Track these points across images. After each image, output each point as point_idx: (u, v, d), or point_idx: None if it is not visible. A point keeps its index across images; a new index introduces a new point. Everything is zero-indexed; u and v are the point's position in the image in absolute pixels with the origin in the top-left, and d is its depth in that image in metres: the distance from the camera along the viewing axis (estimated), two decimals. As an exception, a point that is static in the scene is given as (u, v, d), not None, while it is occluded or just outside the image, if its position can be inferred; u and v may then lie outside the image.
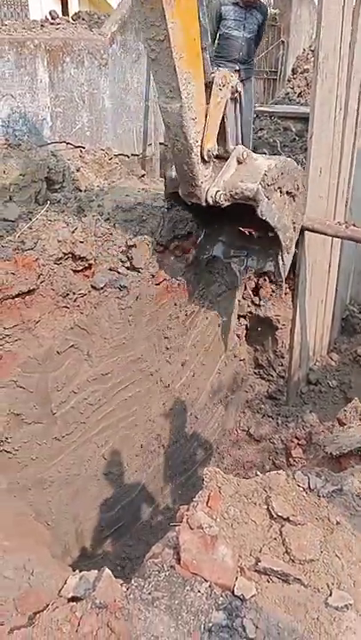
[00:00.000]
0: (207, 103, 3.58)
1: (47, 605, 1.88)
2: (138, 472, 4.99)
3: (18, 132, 4.98)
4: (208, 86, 3.57)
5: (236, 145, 3.97)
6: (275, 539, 2.01)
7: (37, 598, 2.03)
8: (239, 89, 3.79)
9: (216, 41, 5.29)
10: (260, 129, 6.69)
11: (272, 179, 3.87)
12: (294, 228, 4.51)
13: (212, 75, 3.57)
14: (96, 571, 2.00)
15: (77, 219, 4.36)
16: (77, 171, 5.34)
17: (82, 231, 4.22)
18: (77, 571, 2.07)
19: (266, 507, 2.12)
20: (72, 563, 4.36)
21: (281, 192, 4.13)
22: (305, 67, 8.17)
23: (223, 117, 3.76)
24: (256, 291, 5.73)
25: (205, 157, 3.69)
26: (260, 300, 5.67)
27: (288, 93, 8.08)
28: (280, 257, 4.46)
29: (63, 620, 1.70)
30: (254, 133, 6.71)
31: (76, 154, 5.84)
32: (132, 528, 5.09)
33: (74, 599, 1.88)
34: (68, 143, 5.75)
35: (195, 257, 4.98)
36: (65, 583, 1.97)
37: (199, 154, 3.65)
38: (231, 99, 5.35)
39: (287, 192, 4.23)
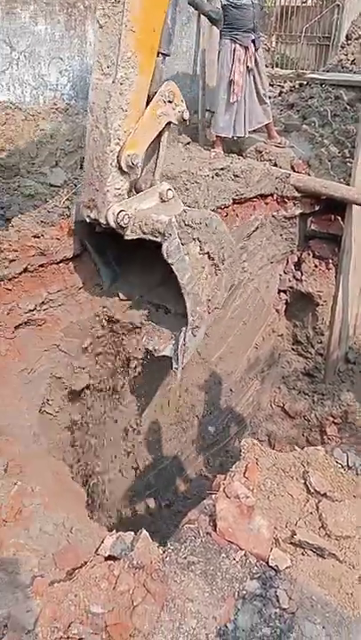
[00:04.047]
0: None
1: (85, 562, 1.95)
2: (172, 440, 5.06)
3: (66, 95, 4.94)
4: (151, 97, 3.14)
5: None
6: (311, 513, 2.02)
7: (75, 555, 2.10)
8: (185, 117, 3.33)
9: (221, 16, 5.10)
10: (310, 97, 6.45)
11: (191, 220, 3.27)
12: (208, 308, 3.65)
13: (160, 86, 3.16)
14: (132, 532, 2.05)
15: (122, 186, 4.33)
16: (123, 137, 5.29)
17: (126, 198, 4.19)
18: (114, 531, 2.12)
19: (303, 481, 2.12)
20: (104, 524, 4.50)
21: (201, 248, 3.44)
22: (361, 32, 7.80)
23: (159, 145, 3.31)
24: (298, 265, 5.63)
25: (122, 164, 3.11)
26: (302, 274, 5.57)
27: (341, 60, 7.72)
28: (183, 335, 3.47)
29: (101, 578, 1.76)
30: (304, 101, 6.49)
31: (121, 120, 5.79)
32: (163, 494, 5.20)
33: (110, 558, 1.94)
34: (113, 109, 5.70)
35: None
36: (102, 542, 2.03)
37: (116, 153, 3.10)
38: (248, 70, 5.16)
39: (209, 255, 3.51)
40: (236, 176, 4.83)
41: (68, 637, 1.58)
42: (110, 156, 3.10)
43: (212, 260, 3.56)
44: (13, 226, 3.49)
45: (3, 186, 4.03)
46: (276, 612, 1.70)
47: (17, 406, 3.43)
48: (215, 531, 1.91)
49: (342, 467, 2.24)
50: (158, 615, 1.66)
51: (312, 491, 2.09)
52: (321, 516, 2.00)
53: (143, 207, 3.30)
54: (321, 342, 5.79)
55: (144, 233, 3.21)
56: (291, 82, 7.46)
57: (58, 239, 3.59)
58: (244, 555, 1.85)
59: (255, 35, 5.11)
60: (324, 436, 5.27)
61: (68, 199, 3.98)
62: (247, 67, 5.16)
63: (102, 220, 3.24)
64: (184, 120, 3.36)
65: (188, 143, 5.69)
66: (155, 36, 3.01)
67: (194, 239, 3.34)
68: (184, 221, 3.24)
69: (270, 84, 7.39)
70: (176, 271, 3.25)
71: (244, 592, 1.74)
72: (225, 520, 1.91)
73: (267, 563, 1.84)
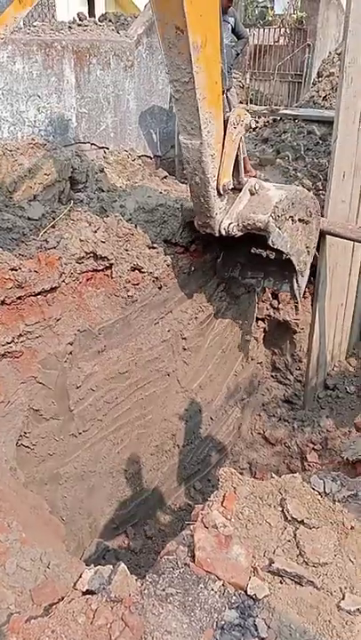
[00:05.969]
0: (223, 140, 3.74)
1: (62, 597, 1.92)
2: (152, 471, 5.02)
3: (43, 131, 5.05)
4: (224, 124, 3.73)
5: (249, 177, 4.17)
6: (289, 541, 2.02)
7: (53, 590, 2.07)
8: (253, 125, 3.99)
9: None
10: (284, 132, 6.68)
11: (283, 210, 4.02)
12: (308, 251, 4.63)
13: (227, 114, 3.74)
14: (110, 566, 2.03)
15: (100, 219, 4.40)
16: (101, 171, 5.40)
17: (104, 231, 4.26)
18: (92, 565, 2.10)
19: (281, 509, 2.13)
20: (85, 558, 4.41)
21: (293, 220, 4.24)
22: (331, 70, 8.11)
23: (238, 152, 3.91)
24: (275, 294, 5.73)
25: (221, 191, 3.89)
26: (278, 303, 5.66)
27: (313, 97, 8.03)
28: (295, 279, 4.62)
29: (79, 612, 1.73)
30: (278, 136, 6.71)
31: (99, 154, 5.91)
32: (144, 526, 5.12)
33: (88, 592, 1.91)
34: (92, 144, 5.82)
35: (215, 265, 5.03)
36: (80, 577, 2.00)
37: (215, 188, 3.85)
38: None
39: (299, 219, 4.35)
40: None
41: None
42: (212, 193, 3.88)
43: (303, 220, 4.39)
44: (-9, 259, 3.51)
45: (-19, 219, 4.07)
46: (254, 642, 1.70)
47: (-6, 440, 3.39)
48: (194, 561, 1.90)
49: (319, 493, 2.26)
50: (136, 649, 1.64)
51: (289, 518, 2.10)
52: (298, 544, 2.01)
53: (240, 208, 4.05)
54: (300, 369, 5.86)
55: (248, 229, 4.04)
56: (265, 117, 7.71)
57: (36, 272, 3.62)
58: (223, 584, 1.84)
59: (228, 76, 5.29)
60: (305, 463, 5.28)
61: (45, 232, 4.03)
62: None
63: (216, 234, 4.16)
64: (251, 128, 4.03)
65: (165, 177, 5.83)
66: (218, 85, 3.45)
67: (286, 219, 4.11)
68: (278, 215, 3.97)
69: (244, 120, 7.61)
70: (279, 247, 4.11)
71: (223, 622, 1.73)
72: (203, 550, 1.91)
73: (245, 592, 1.84)
